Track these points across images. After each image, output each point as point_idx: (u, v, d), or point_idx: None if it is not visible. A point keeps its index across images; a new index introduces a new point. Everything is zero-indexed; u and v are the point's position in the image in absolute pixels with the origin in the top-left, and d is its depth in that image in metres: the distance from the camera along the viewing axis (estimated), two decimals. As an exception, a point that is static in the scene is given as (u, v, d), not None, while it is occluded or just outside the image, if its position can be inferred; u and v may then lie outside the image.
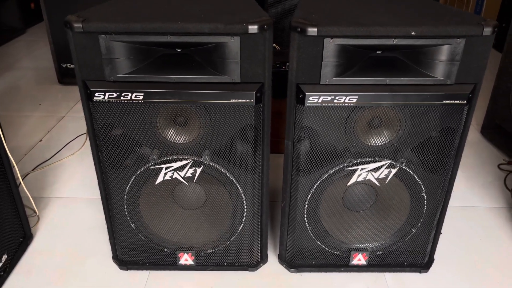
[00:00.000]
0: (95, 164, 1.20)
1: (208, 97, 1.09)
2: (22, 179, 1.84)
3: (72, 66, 2.76)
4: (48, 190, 1.77)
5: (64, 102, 2.59)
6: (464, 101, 1.09)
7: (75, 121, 2.37)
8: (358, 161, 1.19)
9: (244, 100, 1.09)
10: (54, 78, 2.86)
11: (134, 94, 1.08)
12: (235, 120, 1.13)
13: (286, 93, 1.13)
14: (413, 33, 1.00)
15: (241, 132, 1.15)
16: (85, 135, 2.21)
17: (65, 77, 2.80)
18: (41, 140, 2.16)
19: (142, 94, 1.08)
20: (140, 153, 1.19)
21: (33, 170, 1.90)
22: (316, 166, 1.20)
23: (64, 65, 2.76)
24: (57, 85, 2.83)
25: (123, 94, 1.08)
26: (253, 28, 1.00)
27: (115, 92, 1.08)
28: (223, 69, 1.07)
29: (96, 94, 1.08)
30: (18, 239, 1.43)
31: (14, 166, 1.38)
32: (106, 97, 1.09)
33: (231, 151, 1.18)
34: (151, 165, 1.20)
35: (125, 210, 1.28)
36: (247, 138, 1.16)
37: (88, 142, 2.14)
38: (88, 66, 1.07)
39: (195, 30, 1.01)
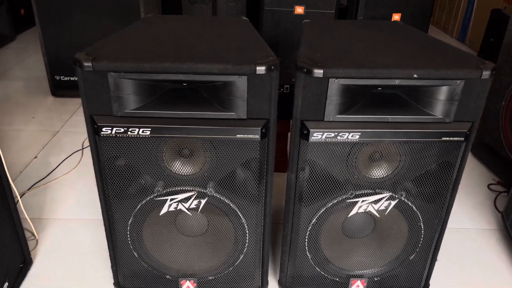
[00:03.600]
0: (99, 194, 1.21)
1: (215, 132, 1.11)
2: (20, 197, 1.83)
3: (65, 78, 2.75)
4: (45, 211, 1.77)
5: (57, 115, 2.58)
6: (462, 138, 1.13)
7: (70, 136, 2.36)
8: (359, 193, 1.22)
9: (250, 136, 1.12)
10: (47, 89, 2.84)
11: (141, 130, 1.10)
12: (240, 154, 1.15)
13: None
14: (415, 76, 1.04)
15: (245, 164, 1.17)
16: (80, 151, 2.20)
17: (58, 89, 2.78)
18: (36, 157, 2.15)
19: (149, 129, 1.10)
20: (145, 184, 1.20)
21: (29, 189, 1.89)
22: (318, 197, 1.23)
23: (57, 77, 2.74)
24: (50, 96, 2.81)
25: (130, 129, 1.10)
26: (261, 69, 1.03)
27: (122, 127, 1.09)
28: (229, 106, 1.09)
29: (104, 129, 1.09)
30: (18, 265, 1.43)
31: (13, 187, 1.37)
32: (113, 132, 1.10)
33: (235, 183, 1.20)
34: (156, 196, 1.21)
35: (128, 238, 1.29)
36: (252, 170, 1.18)
37: (84, 159, 2.14)
38: (96, 102, 1.08)
39: (205, 70, 1.03)
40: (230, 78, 1.05)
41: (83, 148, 2.23)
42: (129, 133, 1.10)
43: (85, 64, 1.01)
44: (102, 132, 1.10)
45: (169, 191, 1.21)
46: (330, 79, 1.05)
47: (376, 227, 1.33)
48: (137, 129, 1.10)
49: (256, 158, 1.16)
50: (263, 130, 1.11)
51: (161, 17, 1.47)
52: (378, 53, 1.17)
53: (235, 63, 1.03)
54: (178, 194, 1.21)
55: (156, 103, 1.10)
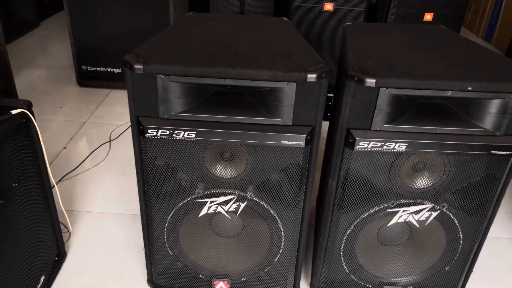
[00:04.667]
0: (139, 194, 1.22)
1: (259, 138, 1.10)
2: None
3: (92, 68, 2.76)
4: (77, 203, 1.79)
5: (84, 106, 2.59)
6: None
7: (97, 128, 2.37)
8: (400, 202, 1.21)
9: (295, 142, 1.11)
10: (72, 79, 2.86)
11: (186, 133, 1.09)
12: (283, 160, 1.14)
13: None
14: (469, 88, 1.02)
15: (287, 170, 1.17)
16: (108, 143, 2.22)
17: (84, 79, 2.79)
18: (65, 148, 2.17)
19: (195, 133, 1.09)
20: (185, 185, 1.20)
21: (59, 180, 1.91)
22: (357, 205, 1.22)
23: (84, 67, 2.75)
24: (75, 86, 2.82)
25: (175, 132, 1.09)
26: (311, 77, 1.01)
27: (168, 130, 1.09)
28: (275, 112, 1.08)
29: (149, 131, 1.09)
30: (53, 258, 1.45)
31: (51, 179, 1.38)
32: (158, 134, 1.10)
33: (275, 188, 1.20)
34: (196, 198, 1.21)
35: (165, 238, 1.29)
36: (293, 176, 1.17)
37: (112, 152, 2.15)
38: (143, 103, 1.07)
39: (254, 77, 1.02)
40: (278, 85, 1.04)
41: (110, 140, 2.24)
42: (174, 135, 1.10)
43: (136, 66, 1.00)
44: (147, 134, 1.10)
45: (210, 193, 1.21)
46: (380, 89, 1.03)
47: (412, 235, 1.32)
48: (182, 132, 1.09)
49: (298, 164, 1.15)
50: (308, 137, 1.10)
51: (200, 16, 1.46)
52: (428, 61, 1.15)
53: (285, 70, 1.02)
54: (218, 196, 1.21)
55: (202, 106, 1.10)
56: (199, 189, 1.20)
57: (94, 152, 2.13)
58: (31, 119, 1.17)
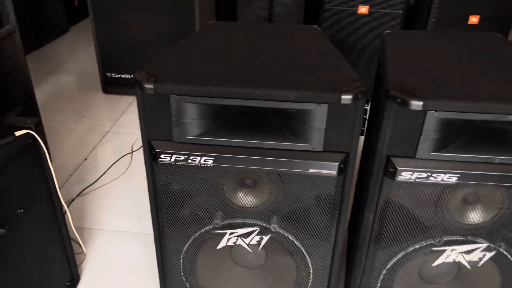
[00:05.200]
0: (153, 222, 1.11)
1: (285, 165, 0.97)
2: (68, 206, 1.78)
3: (116, 75, 2.70)
4: (92, 220, 1.71)
5: (108, 114, 2.53)
6: None
7: (119, 137, 2.30)
8: (449, 239, 1.04)
9: (326, 171, 0.97)
10: (98, 85, 2.81)
11: (203, 158, 0.97)
12: (312, 189, 1.01)
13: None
14: (538, 113, 0.85)
15: (316, 200, 1.03)
16: (130, 155, 2.14)
17: (109, 86, 2.74)
18: (86, 159, 2.10)
19: (213, 158, 0.97)
20: (202, 214, 1.09)
21: (78, 195, 1.84)
22: (398, 240, 1.06)
23: (109, 74, 2.69)
24: (100, 93, 2.77)
25: (191, 158, 0.98)
26: (346, 98, 0.87)
27: (183, 155, 0.97)
28: (304, 136, 0.95)
29: (162, 156, 0.98)
30: (65, 283, 1.37)
31: (61, 199, 1.29)
32: (172, 159, 0.98)
33: (303, 219, 1.06)
34: (214, 229, 1.09)
35: (181, 269, 1.18)
36: (323, 207, 1.04)
37: (133, 164, 2.07)
38: (155, 126, 0.96)
39: (279, 98, 0.89)
40: (306, 106, 0.90)
41: (132, 152, 2.16)
42: (189, 161, 0.98)
43: (147, 86, 0.89)
44: (160, 159, 0.99)
45: (229, 223, 1.08)
46: (428, 112, 0.88)
47: (461, 274, 1.15)
48: (198, 158, 0.98)
49: (329, 194, 1.01)
50: (342, 166, 0.96)
51: (223, 25, 1.34)
52: (483, 78, 0.99)
53: (315, 90, 0.88)
54: (238, 228, 1.08)
55: (221, 129, 0.98)
56: (217, 219, 1.08)
57: (115, 164, 2.06)
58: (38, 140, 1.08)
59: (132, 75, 2.68)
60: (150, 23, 2.49)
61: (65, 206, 1.30)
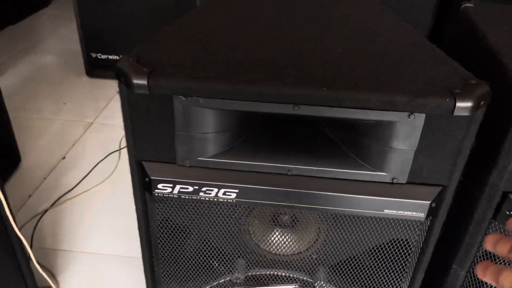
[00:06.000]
0: (146, 278, 0.78)
1: (346, 204, 0.64)
2: (41, 216, 1.45)
3: (103, 56, 2.33)
4: (71, 240, 1.37)
5: (92, 102, 2.17)
6: None
7: (105, 131, 1.95)
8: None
9: (409, 213, 0.64)
10: (82, 67, 2.43)
11: (222, 190, 0.64)
12: (381, 235, 0.68)
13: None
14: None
15: (384, 248, 0.71)
16: (117, 153, 1.79)
17: (94, 68, 2.36)
18: (64, 158, 1.75)
19: (237, 191, 0.64)
20: (217, 265, 0.76)
21: (52, 205, 1.50)
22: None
23: (94, 55, 2.32)
24: (84, 77, 2.40)
25: (204, 189, 0.64)
26: (464, 107, 0.54)
27: (192, 185, 0.64)
28: (380, 161, 0.62)
29: (160, 186, 0.65)
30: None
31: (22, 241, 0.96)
32: (175, 191, 0.65)
33: (362, 274, 0.74)
34: (233, 284, 0.77)
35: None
36: (395, 259, 0.72)
37: (120, 165, 1.73)
38: (150, 141, 0.63)
39: (352, 104, 0.55)
40: (391, 117, 0.57)
41: (120, 149, 1.81)
42: (201, 194, 0.65)
43: (137, 81, 0.55)
44: (157, 190, 0.65)
45: (254, 276, 0.76)
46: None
47: None
48: (215, 189, 0.64)
49: (407, 242, 0.69)
50: (433, 205, 0.64)
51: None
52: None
53: (411, 92, 0.55)
54: (268, 284, 0.76)
55: (249, 148, 0.64)
56: (238, 272, 0.75)
57: (99, 164, 1.71)
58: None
59: (120, 57, 2.31)
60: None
61: (27, 245, 0.96)
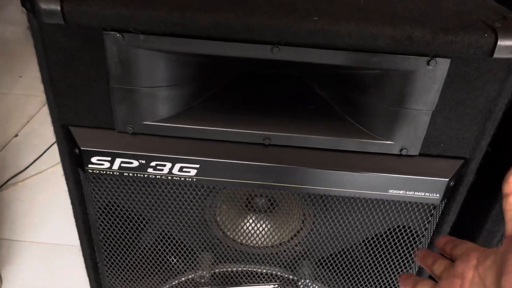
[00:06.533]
0: (89, 277, 0.62)
1: (338, 183, 0.49)
2: (-16, 202, 1.26)
3: (65, 25, 2.11)
4: (18, 228, 1.20)
5: (52, 75, 1.97)
6: None
7: (66, 106, 1.76)
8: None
9: (419, 194, 0.50)
10: (42, 38, 2.22)
11: (178, 166, 0.48)
12: (382, 223, 0.54)
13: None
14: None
15: (383, 237, 0.57)
16: (78, 130, 1.61)
17: (55, 39, 2.15)
18: (16, 135, 1.56)
19: (197, 166, 0.48)
20: (175, 260, 0.61)
21: (0, 188, 1.32)
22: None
23: (54, 24, 2.10)
24: (45, 48, 2.19)
25: (153, 163, 0.48)
26: (508, 46, 0.39)
27: (136, 158, 0.48)
28: (382, 125, 0.47)
29: (94, 160, 0.48)
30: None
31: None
32: (115, 166, 0.49)
33: (355, 269, 0.60)
34: (196, 283, 0.62)
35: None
36: (394, 249, 0.57)
37: (82, 143, 1.55)
38: (76, 98, 0.46)
39: (351, 43, 0.39)
40: (401, 64, 0.42)
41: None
42: (150, 170, 0.49)
43: (45, 7, 0.38)
44: (91, 165, 0.49)
45: (223, 273, 0.61)
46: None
47: None
48: (168, 164, 0.49)
49: (412, 231, 0.55)
50: (452, 183, 0.49)
51: None
52: None
53: (432, 26, 0.39)
54: (241, 285, 0.61)
55: (213, 108, 0.49)
56: (203, 268, 0.60)
57: (56, 143, 1.53)
58: None
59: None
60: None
61: None
